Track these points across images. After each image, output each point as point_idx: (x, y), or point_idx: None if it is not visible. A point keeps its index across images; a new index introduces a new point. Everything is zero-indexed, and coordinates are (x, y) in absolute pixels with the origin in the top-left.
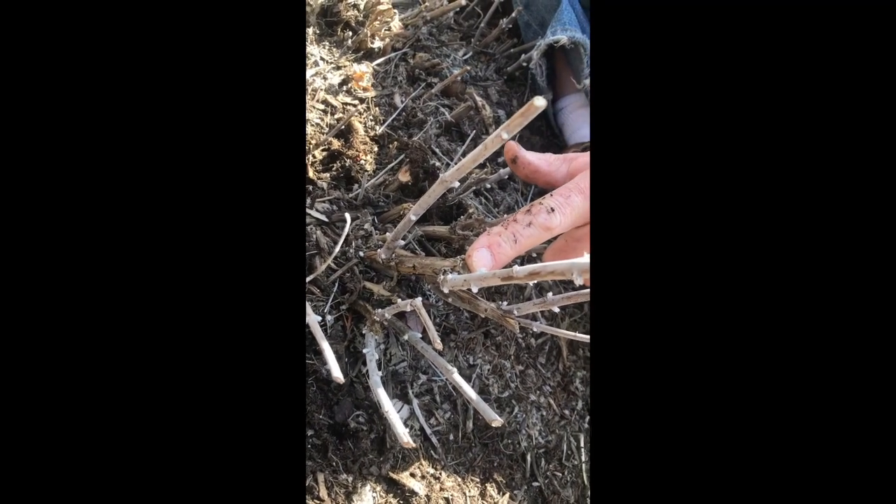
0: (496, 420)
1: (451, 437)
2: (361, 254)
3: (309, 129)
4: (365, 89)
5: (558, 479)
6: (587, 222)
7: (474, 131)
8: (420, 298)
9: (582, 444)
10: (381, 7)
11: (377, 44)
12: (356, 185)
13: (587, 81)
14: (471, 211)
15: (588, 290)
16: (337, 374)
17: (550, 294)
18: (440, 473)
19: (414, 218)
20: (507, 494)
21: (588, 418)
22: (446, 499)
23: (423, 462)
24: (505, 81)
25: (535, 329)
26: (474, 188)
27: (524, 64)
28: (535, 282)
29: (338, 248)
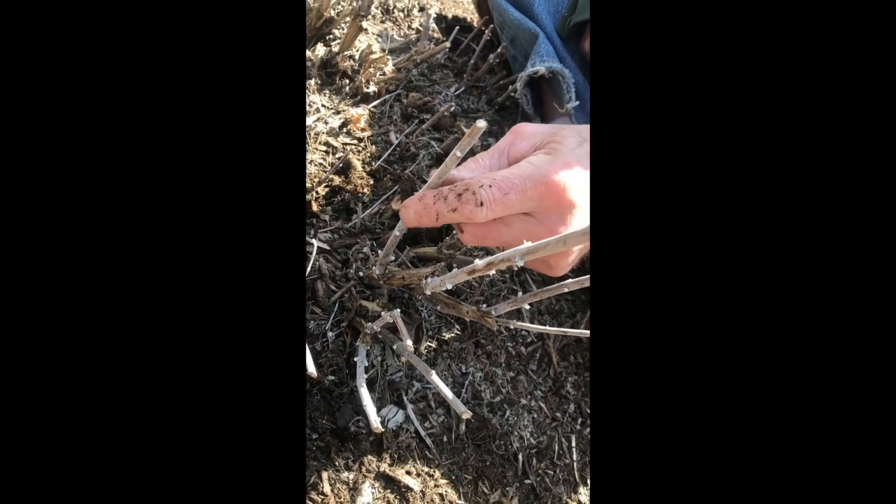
0: (465, 413)
1: (445, 439)
2: (361, 274)
3: (313, 169)
4: (363, 129)
5: (550, 477)
6: (514, 213)
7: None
8: (398, 310)
9: (574, 445)
10: (373, 56)
11: (372, 88)
12: (354, 216)
13: (569, 106)
14: (454, 231)
15: (551, 287)
16: (311, 369)
17: (520, 293)
18: (434, 472)
19: (398, 234)
20: (499, 490)
21: (580, 420)
22: (440, 494)
23: (419, 461)
24: (497, 111)
25: (512, 326)
26: None
27: (512, 94)
28: (493, 271)
29: (309, 266)
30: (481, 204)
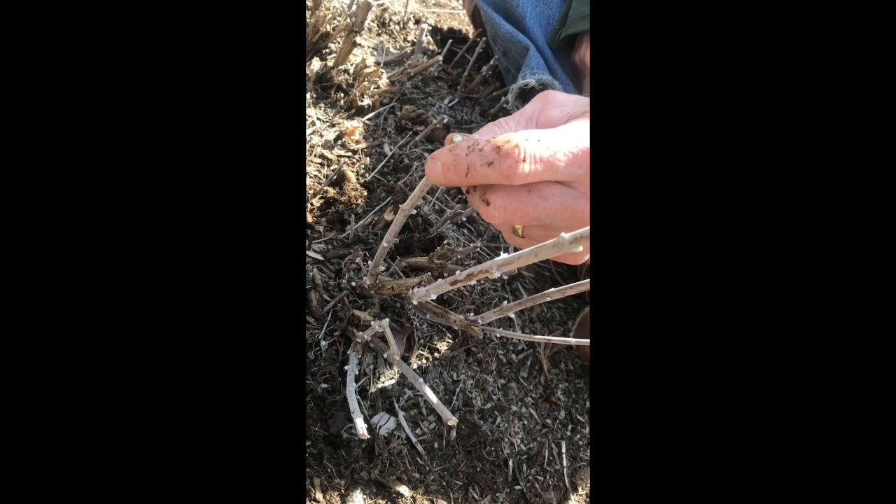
0: (451, 419)
1: (436, 446)
2: (353, 284)
3: (308, 181)
4: (357, 142)
5: (540, 483)
6: (559, 180)
7: None
8: (387, 319)
9: (564, 451)
10: (367, 70)
11: (366, 101)
12: (348, 227)
13: None
14: (446, 241)
15: (535, 296)
16: None
17: (506, 302)
18: (425, 478)
19: (386, 245)
20: (489, 497)
21: (571, 426)
22: (430, 500)
23: (410, 468)
24: (490, 122)
25: (498, 335)
26: (455, 220)
27: (504, 105)
28: (474, 281)
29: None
30: (524, 160)
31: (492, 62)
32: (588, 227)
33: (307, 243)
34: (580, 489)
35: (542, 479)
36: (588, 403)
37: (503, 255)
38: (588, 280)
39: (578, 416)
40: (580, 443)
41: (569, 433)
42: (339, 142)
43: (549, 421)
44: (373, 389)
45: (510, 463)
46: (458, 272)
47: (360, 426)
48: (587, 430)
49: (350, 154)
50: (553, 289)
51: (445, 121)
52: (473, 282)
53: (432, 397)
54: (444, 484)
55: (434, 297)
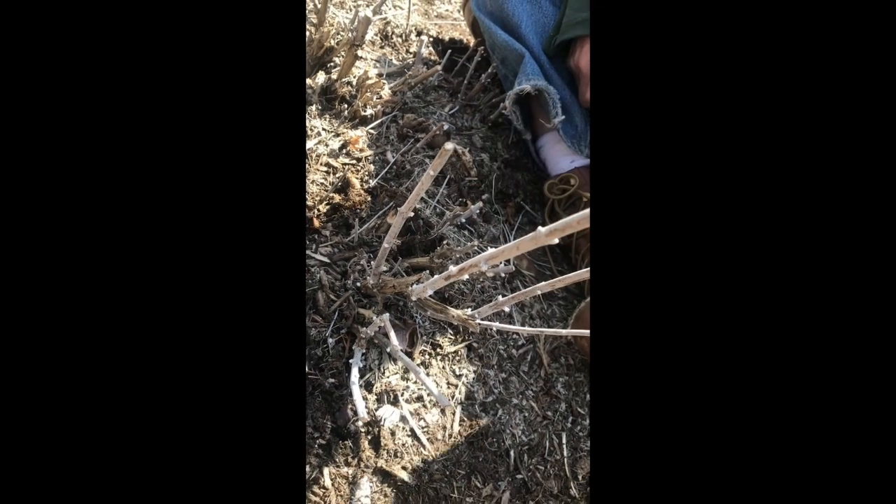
0: (447, 404)
1: (440, 437)
2: (358, 284)
3: (314, 189)
4: (361, 150)
5: (541, 472)
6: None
7: (450, 175)
8: (387, 314)
9: (564, 442)
10: (369, 81)
11: (369, 111)
12: (353, 230)
13: (556, 121)
14: (445, 242)
15: (527, 290)
16: None
17: (500, 297)
18: (429, 467)
19: (387, 246)
20: (491, 485)
21: (571, 418)
22: (434, 488)
23: (414, 457)
24: (490, 128)
25: (495, 328)
26: (455, 222)
27: (503, 111)
28: (466, 276)
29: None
30: None
31: (490, 70)
32: (563, 221)
33: (314, 247)
34: (580, 478)
35: (542, 468)
36: (588, 396)
37: (490, 250)
38: (576, 273)
39: (579, 409)
40: (580, 434)
41: (569, 425)
42: (344, 150)
43: (549, 413)
44: (378, 384)
45: (511, 453)
46: (450, 268)
47: (361, 409)
48: (587, 422)
49: (354, 162)
50: (543, 283)
51: (446, 128)
52: (466, 276)
53: (430, 385)
54: (448, 473)
55: (431, 292)
